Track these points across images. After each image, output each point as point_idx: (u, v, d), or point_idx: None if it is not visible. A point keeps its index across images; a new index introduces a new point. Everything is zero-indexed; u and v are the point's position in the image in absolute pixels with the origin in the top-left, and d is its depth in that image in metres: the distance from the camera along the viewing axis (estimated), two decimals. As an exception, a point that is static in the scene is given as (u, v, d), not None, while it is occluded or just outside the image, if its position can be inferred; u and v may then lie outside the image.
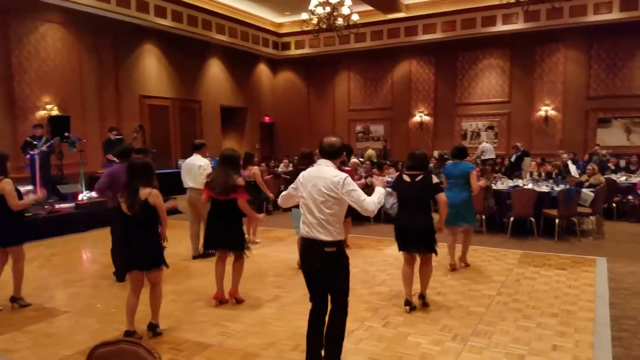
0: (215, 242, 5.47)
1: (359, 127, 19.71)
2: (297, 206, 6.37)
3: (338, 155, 3.72)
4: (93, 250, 8.63)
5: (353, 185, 3.52)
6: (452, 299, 5.52)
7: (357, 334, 4.53)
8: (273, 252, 7.89)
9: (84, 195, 10.73)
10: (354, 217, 7.68)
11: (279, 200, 4.16)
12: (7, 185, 5.13)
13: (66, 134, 11.39)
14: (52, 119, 12.10)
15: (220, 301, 5.43)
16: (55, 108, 12.63)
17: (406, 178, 5.17)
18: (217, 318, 5.07)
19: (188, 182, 7.64)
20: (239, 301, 5.50)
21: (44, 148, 10.60)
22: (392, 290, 5.77)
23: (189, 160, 7.77)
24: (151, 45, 15.39)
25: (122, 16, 13.49)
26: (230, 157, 5.42)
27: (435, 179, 5.12)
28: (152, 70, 15.51)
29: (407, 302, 5.15)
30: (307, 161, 6.80)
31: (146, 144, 12.75)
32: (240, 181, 5.33)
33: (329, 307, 3.75)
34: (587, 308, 5.14)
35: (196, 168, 7.50)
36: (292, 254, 7.69)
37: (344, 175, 3.54)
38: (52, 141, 10.86)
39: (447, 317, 4.94)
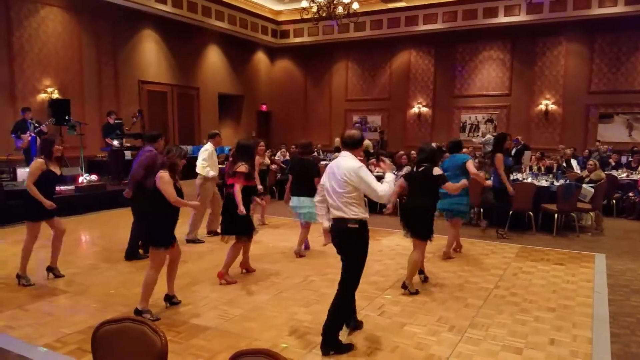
0: (226, 228, 5.72)
1: (355, 117, 19.62)
2: (298, 194, 6.81)
3: (357, 146, 4.09)
4: (91, 232, 8.67)
5: (367, 173, 3.89)
6: (449, 291, 5.50)
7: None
8: (267, 240, 7.85)
9: (84, 178, 10.79)
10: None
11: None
12: (33, 164, 5.51)
13: (67, 117, 11.36)
14: (52, 102, 12.04)
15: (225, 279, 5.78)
16: (56, 91, 12.55)
17: (414, 169, 5.62)
18: (214, 302, 5.09)
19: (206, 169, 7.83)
20: (250, 271, 6.05)
21: (44, 128, 10.57)
22: (387, 280, 5.77)
23: (204, 147, 8.03)
24: (151, 30, 15.26)
25: (122, 1, 13.36)
26: (241, 146, 5.79)
27: (437, 171, 5.37)
28: (151, 55, 15.38)
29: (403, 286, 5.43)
30: (307, 150, 7.03)
31: (145, 129, 12.69)
32: (241, 168, 5.52)
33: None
34: (584, 304, 5.13)
35: (199, 154, 7.82)
36: (286, 242, 7.69)
37: (360, 164, 3.93)
38: (43, 124, 10.77)
39: (444, 309, 4.93)
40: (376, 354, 3.93)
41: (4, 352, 3.17)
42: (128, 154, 12.34)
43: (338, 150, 14.93)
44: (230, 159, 6.08)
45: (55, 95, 12.45)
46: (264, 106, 20.67)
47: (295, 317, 4.67)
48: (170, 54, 15.99)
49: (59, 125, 11.39)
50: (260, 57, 20.28)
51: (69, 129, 11.24)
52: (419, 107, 18.31)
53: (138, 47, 14.94)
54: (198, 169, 7.70)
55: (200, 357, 3.87)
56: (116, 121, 11.93)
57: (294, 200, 6.87)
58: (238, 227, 5.62)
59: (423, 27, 17.09)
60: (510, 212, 8.58)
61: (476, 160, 9.50)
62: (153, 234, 4.67)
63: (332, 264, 6.40)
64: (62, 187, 10.08)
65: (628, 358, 3.95)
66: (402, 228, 5.53)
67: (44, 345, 4.07)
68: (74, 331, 4.35)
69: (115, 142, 11.56)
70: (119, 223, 9.23)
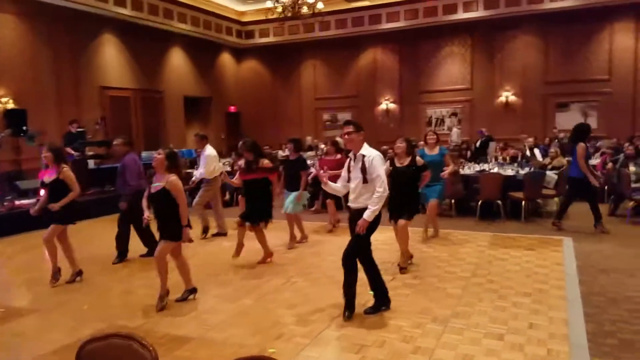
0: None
1: (326, 115, 19.69)
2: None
3: None
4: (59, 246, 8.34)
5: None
6: (429, 282, 5.60)
7: (339, 320, 4.55)
8: (246, 242, 7.56)
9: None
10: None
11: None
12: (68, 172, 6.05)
13: (24, 127, 10.98)
14: (8, 113, 11.60)
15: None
16: (11, 101, 12.11)
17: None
18: (194, 311, 5.00)
19: (218, 169, 8.17)
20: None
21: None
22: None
23: (213, 150, 8.37)
24: (111, 35, 14.91)
25: (79, 5, 12.98)
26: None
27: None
28: (112, 60, 15.04)
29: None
30: (300, 145, 7.81)
31: (108, 136, 12.43)
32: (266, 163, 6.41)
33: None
34: (557, 286, 5.31)
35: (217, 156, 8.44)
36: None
37: None
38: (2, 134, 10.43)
39: (426, 300, 5.01)
40: (365, 350, 3.97)
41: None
42: (91, 163, 12.03)
43: (310, 148, 14.99)
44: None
45: (11, 106, 11.99)
46: (233, 107, 20.48)
47: (281, 320, 4.65)
48: (132, 58, 15.67)
49: (16, 136, 11.01)
50: (226, 58, 20.10)
51: (27, 140, 10.86)
52: (386, 104, 18.50)
53: (98, 52, 14.58)
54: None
55: (187, 367, 3.80)
56: (78, 130, 11.61)
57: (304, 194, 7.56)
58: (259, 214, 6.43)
59: (386, 26, 17.28)
60: (480, 202, 8.80)
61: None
62: None
63: (315, 264, 6.44)
64: (22, 201, 9.73)
65: (602, 336, 4.12)
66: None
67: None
68: (49, 351, 4.18)
69: (74, 153, 11.24)
70: (88, 235, 8.92)
